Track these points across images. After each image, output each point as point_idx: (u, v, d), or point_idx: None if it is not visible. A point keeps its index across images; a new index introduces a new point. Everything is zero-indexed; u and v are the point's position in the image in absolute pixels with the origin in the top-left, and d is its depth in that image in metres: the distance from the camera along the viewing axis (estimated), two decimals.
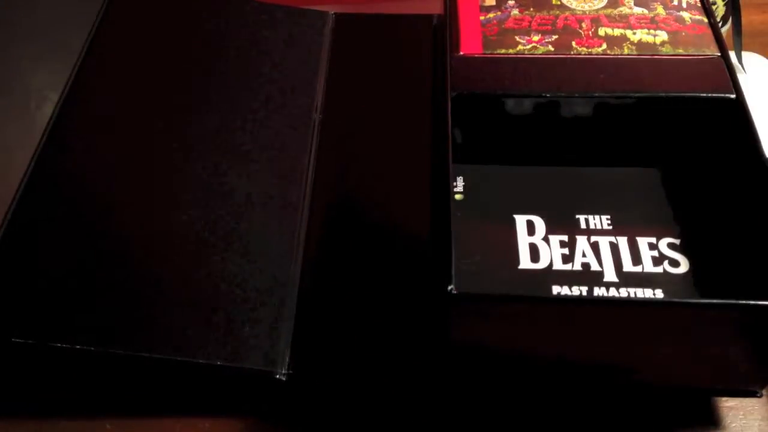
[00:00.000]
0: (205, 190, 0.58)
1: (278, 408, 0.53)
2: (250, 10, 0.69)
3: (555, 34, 0.60)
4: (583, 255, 0.54)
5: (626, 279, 0.52)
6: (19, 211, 0.55)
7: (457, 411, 0.53)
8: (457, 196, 0.56)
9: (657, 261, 0.53)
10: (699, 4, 0.61)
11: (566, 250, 0.54)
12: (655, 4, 0.61)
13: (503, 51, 0.59)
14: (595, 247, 0.54)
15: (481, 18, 0.61)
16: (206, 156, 0.60)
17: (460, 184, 0.57)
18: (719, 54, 0.57)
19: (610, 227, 0.55)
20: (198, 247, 0.55)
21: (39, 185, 0.57)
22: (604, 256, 0.53)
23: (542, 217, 0.56)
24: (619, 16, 0.61)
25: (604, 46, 0.59)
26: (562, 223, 0.55)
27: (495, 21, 0.61)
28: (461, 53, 0.58)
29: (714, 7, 0.69)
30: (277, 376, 0.51)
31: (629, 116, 0.56)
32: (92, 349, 0.50)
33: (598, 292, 0.52)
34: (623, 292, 0.52)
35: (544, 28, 0.60)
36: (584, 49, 0.58)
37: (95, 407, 0.54)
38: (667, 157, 0.58)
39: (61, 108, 0.61)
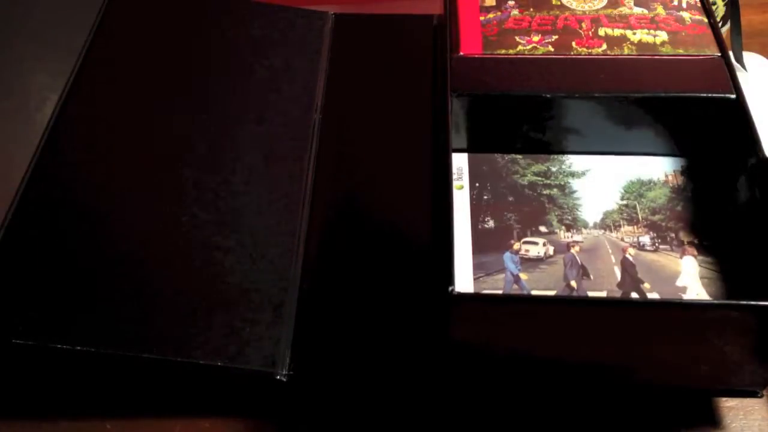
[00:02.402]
0: (205, 190, 0.58)
1: (278, 408, 0.53)
2: (250, 10, 0.69)
3: (555, 35, 0.60)
4: None
5: None
6: (19, 211, 0.55)
7: (457, 411, 0.53)
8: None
9: None
10: (699, 4, 0.61)
11: None
12: (655, 4, 0.61)
13: (503, 51, 0.59)
14: None
15: (481, 18, 0.61)
16: (206, 156, 0.60)
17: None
18: (719, 54, 0.58)
19: None
20: (198, 248, 0.55)
21: (39, 185, 0.57)
22: None
23: None
24: (619, 16, 0.61)
25: (604, 46, 0.59)
26: None
27: (495, 21, 0.61)
28: (461, 53, 0.58)
29: (714, 7, 0.69)
30: (278, 377, 0.51)
31: (629, 116, 0.56)
32: (92, 349, 0.50)
33: None
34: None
35: (544, 28, 0.60)
36: (584, 49, 0.59)
37: (95, 407, 0.54)
38: (666, 157, 0.58)
39: (61, 108, 0.61)
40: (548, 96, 0.56)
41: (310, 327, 0.53)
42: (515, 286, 0.52)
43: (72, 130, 0.60)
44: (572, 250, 0.53)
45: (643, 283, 0.52)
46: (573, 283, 0.52)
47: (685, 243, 0.53)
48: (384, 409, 0.53)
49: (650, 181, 0.57)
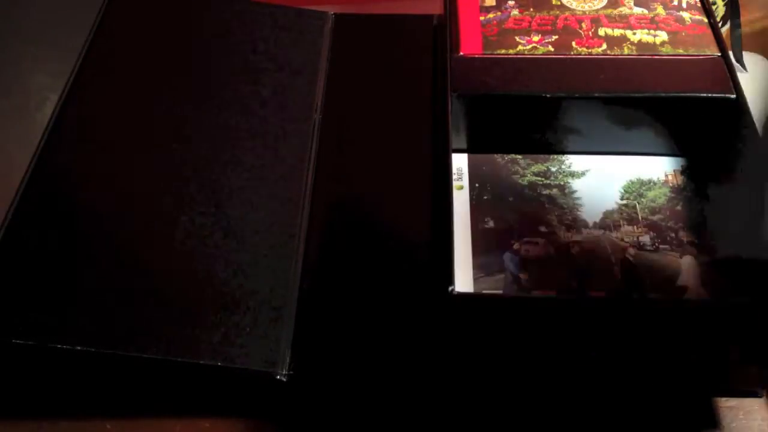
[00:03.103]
0: (205, 191, 0.58)
1: (278, 408, 0.53)
2: (250, 10, 0.69)
3: (555, 35, 0.60)
4: None
5: None
6: (19, 211, 0.55)
7: (457, 411, 0.53)
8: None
9: None
10: (699, 4, 0.61)
11: None
12: (655, 4, 0.61)
13: (503, 51, 0.59)
14: None
15: (481, 18, 0.61)
16: (206, 156, 0.60)
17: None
18: (719, 54, 0.58)
19: None
20: (198, 248, 0.55)
21: (39, 185, 0.57)
22: None
23: None
24: (619, 16, 0.61)
25: (604, 46, 0.59)
26: None
27: (495, 21, 0.61)
28: (461, 53, 0.58)
29: (714, 7, 0.69)
30: (278, 377, 0.51)
31: (629, 116, 0.56)
32: (93, 349, 0.50)
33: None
34: None
35: (544, 28, 0.60)
36: (584, 49, 0.59)
37: (95, 407, 0.54)
38: (666, 157, 0.58)
39: (61, 108, 0.61)
40: (548, 96, 0.56)
41: (310, 327, 0.53)
42: (515, 286, 0.52)
43: (72, 130, 0.60)
44: (572, 250, 0.53)
45: (643, 283, 0.52)
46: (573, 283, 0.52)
47: (685, 243, 0.54)
48: (384, 409, 0.53)
49: (650, 181, 0.57)
